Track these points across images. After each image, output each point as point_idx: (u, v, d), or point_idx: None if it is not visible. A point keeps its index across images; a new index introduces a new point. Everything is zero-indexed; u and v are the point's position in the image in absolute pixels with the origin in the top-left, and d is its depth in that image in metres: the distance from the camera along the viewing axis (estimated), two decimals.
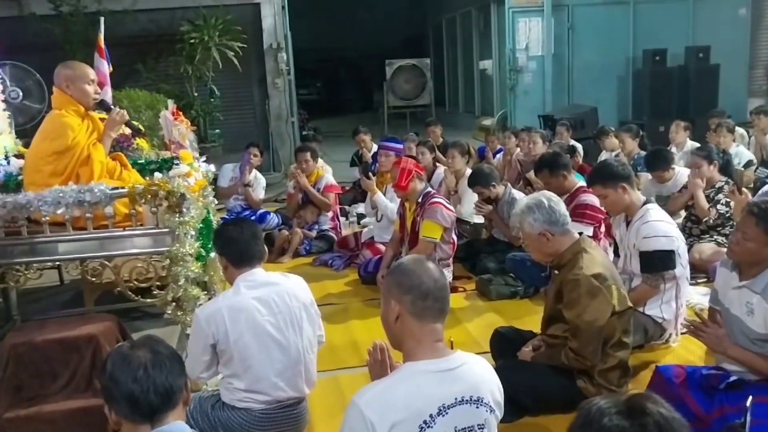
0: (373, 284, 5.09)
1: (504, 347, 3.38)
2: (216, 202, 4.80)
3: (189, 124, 4.81)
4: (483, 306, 4.78)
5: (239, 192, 6.99)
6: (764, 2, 13.14)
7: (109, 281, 3.64)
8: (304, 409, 2.93)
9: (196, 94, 9.88)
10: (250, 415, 2.75)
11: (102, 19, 5.47)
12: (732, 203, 4.87)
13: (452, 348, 1.98)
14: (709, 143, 6.44)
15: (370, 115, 17.42)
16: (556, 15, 12.03)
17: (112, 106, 4.04)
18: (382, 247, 5.51)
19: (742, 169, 6.59)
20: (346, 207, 7.62)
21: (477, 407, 1.86)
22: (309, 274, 4.93)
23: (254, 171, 7.09)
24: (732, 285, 2.82)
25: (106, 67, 5.04)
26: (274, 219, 6.86)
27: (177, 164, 3.88)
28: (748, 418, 2.37)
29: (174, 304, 3.53)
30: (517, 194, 5.32)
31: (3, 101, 4.83)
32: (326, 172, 6.79)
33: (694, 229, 5.22)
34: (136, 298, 3.63)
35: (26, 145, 4.28)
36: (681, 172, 5.60)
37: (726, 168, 5.32)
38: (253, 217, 6.53)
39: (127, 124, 4.11)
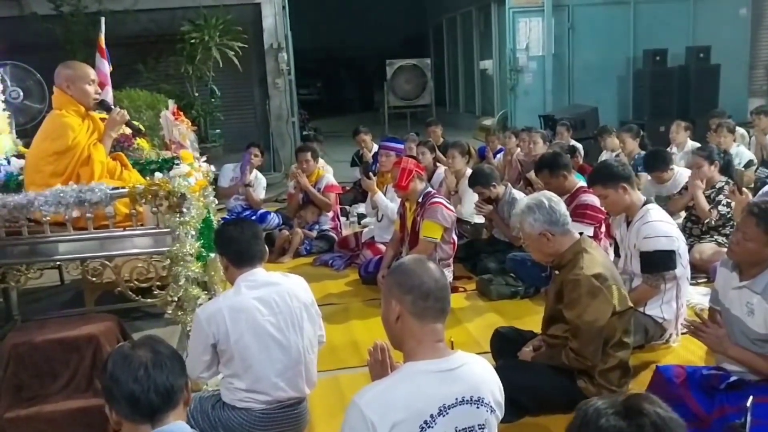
0: (373, 284, 5.09)
1: (504, 347, 3.38)
2: (216, 202, 4.80)
3: (189, 124, 4.81)
4: (483, 306, 4.78)
5: (240, 192, 6.99)
6: (765, 2, 13.13)
7: (110, 281, 3.64)
8: (305, 409, 2.93)
9: (196, 94, 9.89)
10: (251, 415, 2.75)
11: (103, 19, 5.47)
12: (732, 203, 4.87)
13: (453, 348, 1.98)
14: (710, 143, 6.44)
15: (371, 115, 17.42)
16: (557, 15, 12.03)
17: (113, 106, 4.05)
18: (382, 247, 5.51)
19: (743, 169, 6.58)
20: (347, 207, 7.62)
21: (477, 407, 1.87)
22: (309, 274, 4.93)
23: (255, 171, 7.10)
24: (732, 285, 2.82)
25: (106, 67, 5.04)
26: (274, 219, 6.86)
27: (177, 164, 3.88)
28: (749, 419, 2.37)
29: (174, 304, 3.53)
30: (518, 194, 5.32)
31: (3, 101, 4.83)
32: (327, 172, 6.79)
33: (694, 229, 5.22)
34: (137, 298, 3.63)
35: (27, 145, 4.28)
36: (681, 173, 5.60)
37: (727, 168, 5.32)
38: (253, 217, 6.53)
39: (128, 124, 4.11)
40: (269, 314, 2.72)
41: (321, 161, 6.95)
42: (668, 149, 7.07)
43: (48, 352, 3.17)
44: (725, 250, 3.20)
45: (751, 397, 2.41)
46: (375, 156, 7.82)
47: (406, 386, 1.82)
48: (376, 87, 17.86)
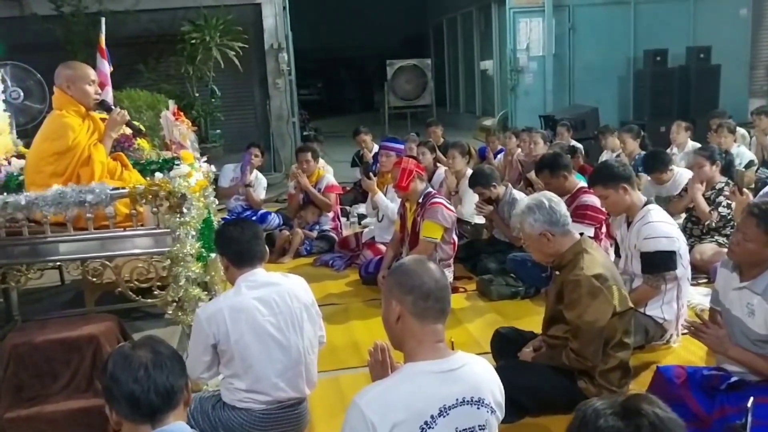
0: (373, 285, 5.09)
1: (505, 348, 3.38)
2: (217, 202, 4.80)
3: (190, 124, 4.81)
4: (484, 306, 4.78)
5: (240, 192, 6.99)
6: (765, 2, 13.13)
7: (110, 281, 3.64)
8: (305, 409, 2.93)
9: (197, 95, 9.89)
10: (251, 415, 2.75)
11: (103, 19, 5.48)
12: (733, 204, 4.86)
13: (453, 348, 1.98)
14: (711, 144, 6.44)
15: (371, 116, 17.42)
16: (557, 15, 12.03)
17: (113, 107, 4.05)
18: (382, 248, 5.51)
19: (743, 170, 6.58)
20: (347, 207, 7.62)
21: (478, 408, 1.86)
22: (310, 275, 4.93)
23: (255, 171, 7.09)
24: (733, 286, 2.82)
25: (107, 68, 5.04)
26: (275, 219, 6.86)
27: (178, 164, 3.87)
28: (749, 419, 2.36)
29: (175, 304, 3.53)
30: (518, 195, 5.31)
31: (4, 101, 4.83)
32: (327, 173, 6.79)
33: (694, 229, 5.21)
34: (137, 298, 3.63)
35: (27, 146, 4.28)
36: (681, 173, 5.59)
37: (728, 169, 5.31)
38: (254, 218, 6.53)
39: (128, 124, 4.11)
40: (269, 314, 2.72)
41: (321, 161, 6.95)
42: (669, 149, 7.08)
43: (48, 353, 3.17)
44: (726, 250, 3.20)
45: (751, 398, 2.40)
46: (375, 156, 7.82)
47: (407, 387, 1.82)
48: (377, 87, 17.86)
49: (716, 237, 5.08)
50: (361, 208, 7.29)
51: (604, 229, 4.74)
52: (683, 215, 5.41)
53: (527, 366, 3.12)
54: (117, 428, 1.71)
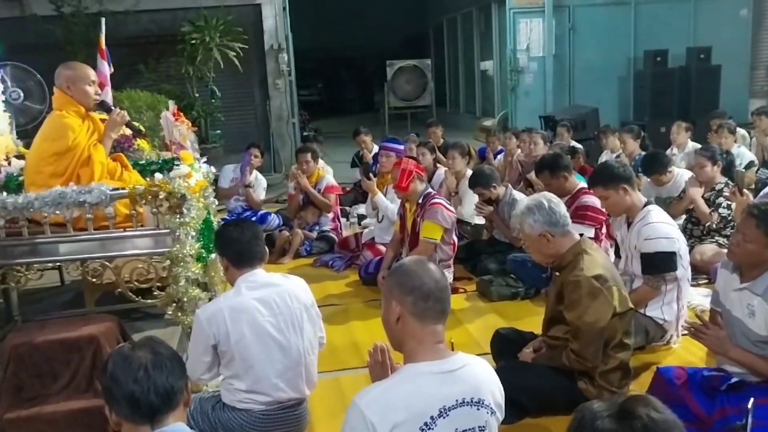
0: (373, 285, 5.09)
1: (505, 348, 3.38)
2: (217, 203, 4.80)
3: (190, 124, 4.81)
4: (484, 307, 4.78)
5: (240, 193, 6.99)
6: (765, 3, 13.12)
7: (110, 282, 3.64)
8: (305, 410, 2.93)
9: (197, 95, 9.89)
10: (251, 415, 2.75)
11: (103, 19, 5.48)
12: (733, 205, 4.86)
13: (453, 349, 1.98)
14: (711, 144, 6.43)
15: (371, 116, 17.42)
16: (557, 15, 12.03)
17: (113, 107, 4.05)
18: (382, 248, 5.50)
19: (743, 170, 6.57)
20: (347, 208, 7.62)
21: (478, 409, 1.86)
22: (310, 275, 4.93)
23: (255, 172, 7.09)
24: (733, 287, 2.81)
25: (107, 68, 5.04)
26: (274, 220, 6.86)
27: (178, 165, 3.87)
28: (749, 420, 2.36)
29: (174, 305, 3.53)
30: (518, 195, 5.31)
31: (4, 102, 4.83)
32: (327, 173, 6.78)
33: (695, 230, 5.21)
34: (137, 298, 3.63)
35: (27, 146, 4.28)
36: (681, 174, 5.58)
37: (728, 169, 5.31)
38: (254, 218, 6.53)
39: (128, 124, 4.11)
40: (269, 315, 2.72)
41: (321, 162, 6.95)
42: (669, 150, 7.08)
43: (48, 353, 3.17)
44: (726, 251, 3.20)
45: (752, 399, 2.40)
46: (375, 157, 7.82)
47: (407, 387, 1.82)
48: (377, 88, 17.85)
49: (716, 238, 5.07)
50: (361, 209, 7.29)
51: (604, 230, 4.74)
52: (683, 216, 5.41)
53: (527, 367, 3.12)
54: (116, 429, 1.71)
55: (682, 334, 3.71)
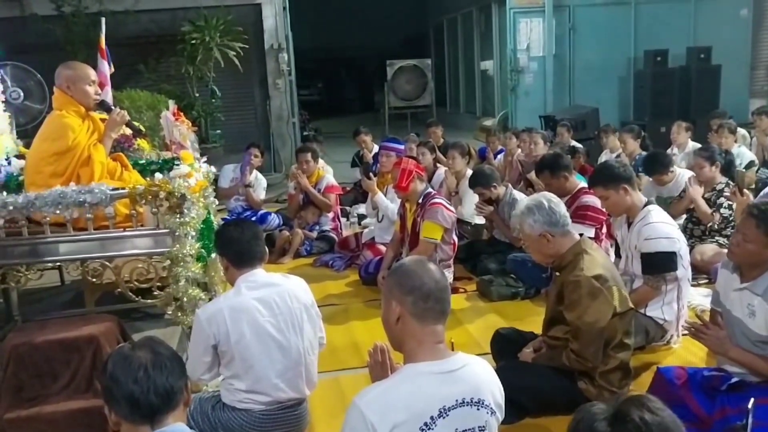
0: (373, 285, 5.09)
1: (505, 348, 3.38)
2: (217, 202, 4.80)
3: (190, 124, 4.81)
4: (484, 307, 4.78)
5: (240, 193, 6.99)
6: (765, 3, 13.12)
7: (110, 282, 3.64)
8: (305, 410, 2.93)
9: (197, 95, 9.89)
10: (251, 415, 2.75)
11: (103, 19, 5.48)
12: (734, 205, 4.86)
13: (453, 349, 1.98)
14: (711, 144, 6.43)
15: (371, 116, 17.42)
16: (558, 15, 12.03)
17: (113, 107, 4.04)
18: (382, 248, 5.50)
19: (744, 170, 6.57)
20: (347, 208, 7.62)
21: (478, 409, 1.86)
22: (310, 275, 4.93)
23: (255, 172, 7.09)
24: (733, 287, 2.81)
25: (107, 68, 5.04)
26: (275, 220, 6.86)
27: (178, 165, 3.87)
28: (750, 420, 2.36)
29: (174, 304, 3.53)
30: (518, 195, 5.31)
31: (4, 102, 4.83)
32: (327, 173, 6.78)
33: (695, 230, 5.21)
34: (137, 298, 3.63)
35: (27, 146, 4.28)
36: (682, 174, 5.57)
37: (728, 169, 5.30)
38: (254, 218, 6.53)
39: (128, 124, 4.11)
40: (269, 315, 2.72)
41: (321, 162, 6.94)
42: (669, 150, 7.08)
43: (48, 353, 3.17)
44: (726, 251, 3.20)
45: (752, 399, 2.40)
46: (375, 156, 7.82)
47: (407, 387, 1.82)
48: (377, 87, 17.85)
49: (717, 237, 5.07)
50: (361, 209, 7.29)
51: (604, 230, 4.74)
52: (684, 216, 5.40)
53: (527, 367, 3.12)
54: (116, 429, 1.71)
55: (683, 334, 3.71)
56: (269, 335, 2.71)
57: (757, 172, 6.75)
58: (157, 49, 9.97)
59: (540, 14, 12.00)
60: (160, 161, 4.52)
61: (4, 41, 7.54)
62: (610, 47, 12.21)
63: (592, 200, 4.52)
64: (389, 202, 5.63)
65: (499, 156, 7.90)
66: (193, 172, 3.68)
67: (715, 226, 5.08)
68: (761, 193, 5.19)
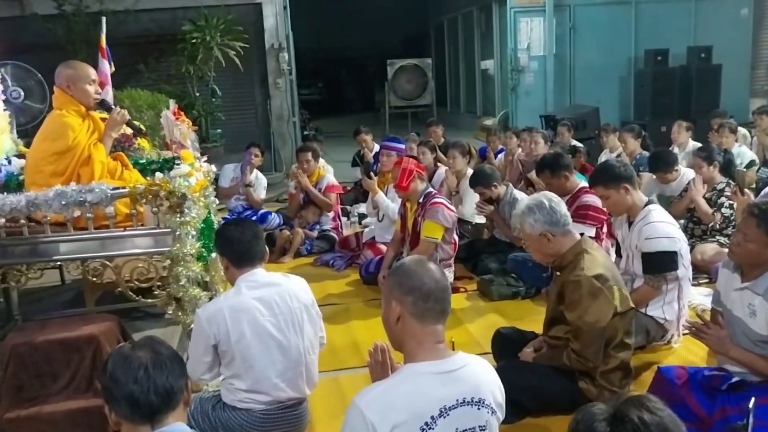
0: (374, 284, 5.09)
1: (505, 348, 3.37)
2: (217, 202, 4.80)
3: (190, 124, 4.80)
4: (484, 306, 4.78)
5: (240, 192, 6.99)
6: (766, 2, 13.12)
7: (110, 281, 3.64)
8: (305, 409, 2.93)
9: (197, 94, 9.89)
10: (251, 415, 2.75)
11: (104, 18, 5.48)
12: (735, 204, 4.85)
13: (453, 349, 1.97)
14: (711, 144, 6.42)
15: (372, 115, 17.41)
16: (558, 15, 12.02)
17: (113, 106, 4.04)
18: (383, 248, 5.50)
19: (744, 170, 6.56)
20: (348, 207, 7.62)
21: (478, 409, 1.86)
22: (310, 275, 4.93)
23: (255, 171, 7.09)
24: (734, 286, 2.81)
25: (107, 67, 5.04)
26: (275, 219, 6.85)
27: (178, 164, 3.88)
28: (751, 420, 2.36)
29: (175, 304, 3.53)
30: (519, 194, 5.31)
31: (4, 101, 4.83)
32: (327, 172, 6.79)
33: (696, 229, 5.20)
34: (137, 298, 3.62)
35: (27, 145, 4.28)
36: (686, 173, 5.57)
37: (727, 168, 5.30)
38: (254, 218, 6.53)
39: (128, 124, 4.11)
40: (270, 315, 2.72)
41: (322, 161, 6.94)
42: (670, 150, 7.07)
43: (48, 353, 3.17)
44: (727, 250, 3.19)
45: (753, 399, 2.40)
46: (376, 156, 7.82)
47: (407, 387, 1.82)
48: (377, 87, 17.84)
49: (717, 237, 5.07)
50: (362, 208, 7.29)
51: (605, 229, 4.74)
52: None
53: (528, 366, 3.12)
54: (116, 428, 1.71)
55: (683, 334, 3.71)
56: (269, 335, 2.71)
57: (757, 171, 6.75)
58: (158, 48, 9.97)
59: (540, 14, 12.00)
60: (160, 161, 4.52)
61: (4, 40, 7.54)
62: (610, 47, 12.21)
63: (593, 200, 4.51)
64: (390, 202, 5.63)
65: (499, 155, 7.89)
66: (194, 171, 3.68)
67: (716, 226, 5.07)
68: (762, 193, 5.19)
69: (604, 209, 4.33)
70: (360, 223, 7.11)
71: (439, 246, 4.77)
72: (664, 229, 3.59)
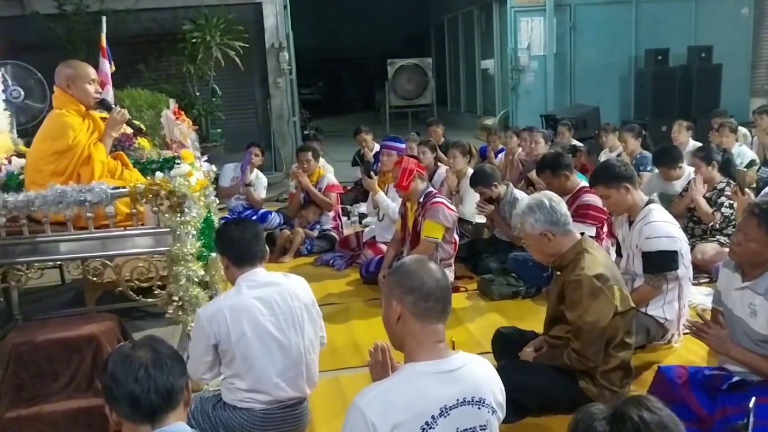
0: (374, 284, 5.09)
1: (506, 347, 3.37)
2: (217, 201, 4.79)
3: (191, 123, 4.80)
4: (485, 306, 4.78)
5: (241, 192, 6.99)
6: (766, 2, 13.11)
7: (111, 281, 3.64)
8: (306, 409, 2.92)
9: (197, 94, 9.89)
10: (251, 415, 2.75)
11: (104, 18, 5.47)
12: (735, 204, 4.85)
13: (454, 348, 1.97)
14: (712, 143, 6.42)
15: (372, 115, 17.42)
16: (558, 14, 12.02)
17: (113, 106, 4.04)
18: (383, 247, 5.50)
19: (745, 169, 6.56)
20: (348, 207, 7.62)
21: (479, 408, 1.86)
22: (310, 274, 4.93)
23: (256, 170, 7.10)
24: (735, 286, 2.81)
25: (108, 67, 5.04)
26: (275, 219, 6.86)
27: (178, 164, 3.87)
28: (751, 419, 2.36)
29: (175, 303, 3.53)
30: (519, 194, 5.31)
31: (4, 100, 4.83)
32: (328, 172, 6.79)
33: (696, 229, 5.20)
34: (138, 297, 3.62)
35: (28, 145, 4.28)
36: (691, 173, 5.56)
37: (726, 167, 5.30)
38: (254, 217, 6.54)
39: (129, 123, 4.11)
40: (270, 314, 2.72)
41: (322, 161, 6.95)
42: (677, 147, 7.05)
43: (49, 352, 3.17)
44: (727, 250, 3.19)
45: (753, 398, 2.40)
46: (376, 155, 7.81)
47: (407, 387, 1.82)
48: (378, 86, 17.84)
49: (718, 237, 5.07)
50: (362, 208, 7.29)
51: (605, 229, 4.74)
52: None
53: (528, 366, 3.12)
54: (117, 428, 1.71)
55: (684, 333, 3.71)
56: (270, 334, 2.71)
57: (758, 171, 6.74)
58: (158, 47, 9.97)
59: (541, 13, 11.99)
60: (160, 160, 4.51)
61: (5, 40, 7.54)
62: (611, 46, 12.21)
63: (593, 199, 4.51)
64: (390, 201, 5.63)
65: (500, 155, 7.89)
66: (194, 171, 3.68)
67: (716, 226, 5.07)
68: (762, 192, 5.19)
69: (605, 209, 4.33)
70: (360, 223, 7.11)
71: (440, 245, 4.77)
72: (664, 228, 3.59)
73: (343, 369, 3.80)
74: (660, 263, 3.56)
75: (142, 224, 3.58)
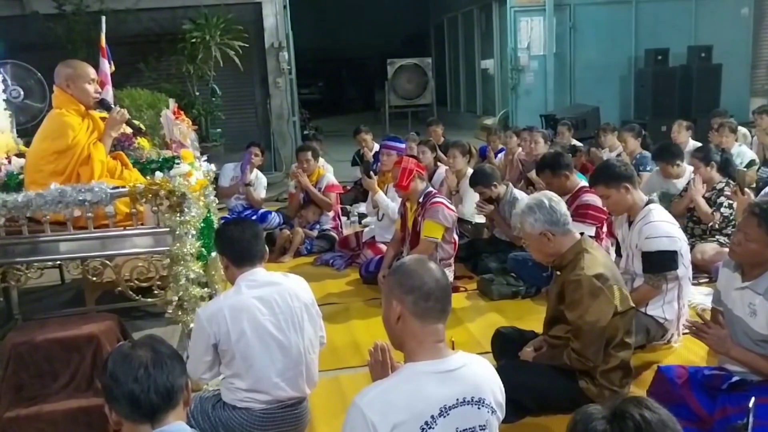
0: (374, 284, 5.09)
1: (505, 347, 3.37)
2: (217, 201, 4.79)
3: (190, 123, 4.80)
4: (484, 306, 4.78)
5: (240, 191, 6.99)
6: (766, 2, 13.11)
7: (110, 281, 3.63)
8: (305, 409, 2.92)
9: (197, 94, 9.89)
10: (251, 414, 2.75)
11: (104, 18, 5.47)
12: (735, 204, 4.85)
13: (453, 348, 1.97)
14: (712, 143, 6.41)
15: (372, 115, 17.41)
16: (558, 14, 12.02)
17: (113, 105, 4.04)
18: (383, 247, 5.50)
19: (745, 169, 6.55)
20: (348, 206, 7.62)
21: (478, 408, 1.86)
22: (310, 274, 4.93)
23: (255, 170, 7.10)
24: (734, 286, 2.81)
25: (107, 67, 5.03)
26: (275, 218, 6.86)
27: (178, 163, 3.87)
28: (751, 419, 2.36)
29: (175, 303, 3.52)
30: (519, 194, 5.31)
31: (4, 100, 4.82)
32: (327, 172, 6.79)
33: (696, 229, 5.20)
34: (137, 297, 3.62)
35: (27, 144, 4.28)
36: (690, 172, 5.57)
37: (726, 167, 5.30)
38: (254, 217, 6.53)
39: (128, 123, 4.10)
40: (270, 314, 2.72)
41: (321, 161, 6.95)
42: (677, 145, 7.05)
43: (48, 352, 3.16)
44: (727, 250, 3.19)
45: (753, 398, 2.40)
46: (376, 155, 7.81)
47: (407, 387, 1.82)
48: (377, 86, 17.84)
49: (717, 237, 5.07)
50: (362, 208, 7.29)
51: (605, 229, 4.74)
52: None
53: (528, 366, 3.12)
54: (117, 428, 1.71)
55: (683, 333, 3.71)
56: (270, 334, 2.71)
57: (758, 171, 6.74)
58: (158, 47, 9.97)
59: (541, 13, 12.00)
60: (160, 160, 4.51)
61: (4, 39, 7.54)
62: (610, 46, 12.21)
63: (593, 199, 4.51)
64: (390, 201, 5.63)
65: (499, 155, 7.90)
66: (194, 170, 3.67)
67: (716, 226, 5.07)
68: (762, 192, 5.19)
69: (604, 208, 4.33)
70: (360, 223, 7.11)
71: (439, 245, 4.77)
72: (664, 228, 3.59)
73: (342, 369, 3.80)
74: (660, 263, 3.56)
75: (142, 224, 3.58)
